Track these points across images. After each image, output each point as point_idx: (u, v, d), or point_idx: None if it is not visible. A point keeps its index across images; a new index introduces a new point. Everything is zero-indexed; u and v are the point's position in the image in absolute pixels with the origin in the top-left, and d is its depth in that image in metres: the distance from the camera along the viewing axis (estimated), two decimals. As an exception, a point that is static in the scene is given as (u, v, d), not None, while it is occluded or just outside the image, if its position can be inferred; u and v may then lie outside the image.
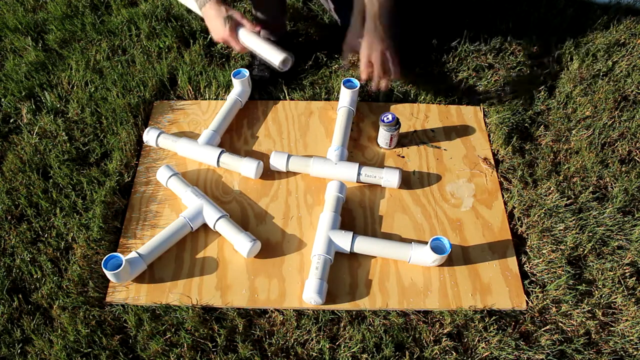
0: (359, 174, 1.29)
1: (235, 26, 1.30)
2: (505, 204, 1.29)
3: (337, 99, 1.48)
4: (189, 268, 1.17)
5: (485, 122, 1.46)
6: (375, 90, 1.30)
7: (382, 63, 1.25)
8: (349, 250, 1.16)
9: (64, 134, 1.40)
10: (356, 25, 1.26)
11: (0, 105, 1.50)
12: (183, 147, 1.35)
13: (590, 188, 1.28)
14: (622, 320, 1.09)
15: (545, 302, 1.11)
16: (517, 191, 1.28)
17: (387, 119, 1.31)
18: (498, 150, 1.39)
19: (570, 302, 1.11)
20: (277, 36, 1.56)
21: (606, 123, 1.42)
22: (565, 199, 1.26)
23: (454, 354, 1.04)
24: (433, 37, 1.63)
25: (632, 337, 1.07)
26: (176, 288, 1.14)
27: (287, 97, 1.51)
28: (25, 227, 1.23)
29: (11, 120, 1.47)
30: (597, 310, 1.10)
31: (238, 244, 1.16)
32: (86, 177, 1.31)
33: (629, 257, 1.17)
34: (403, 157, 1.38)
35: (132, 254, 1.13)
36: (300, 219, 1.26)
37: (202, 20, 1.50)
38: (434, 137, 1.42)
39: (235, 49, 1.33)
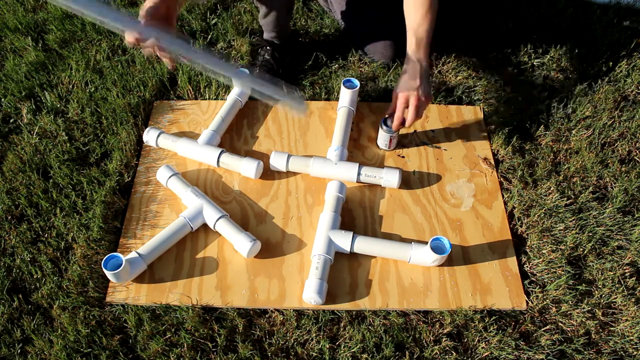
0: (359, 174, 1.29)
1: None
2: (505, 204, 1.29)
3: (337, 99, 1.48)
4: (189, 268, 1.17)
5: (485, 122, 1.46)
6: (395, 130, 1.25)
7: (416, 107, 1.17)
8: (349, 250, 1.16)
9: (64, 134, 1.40)
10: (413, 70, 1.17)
11: (0, 105, 1.50)
12: (183, 147, 1.35)
13: (590, 188, 1.28)
14: (622, 320, 1.10)
15: (545, 302, 1.11)
16: (517, 191, 1.28)
17: (388, 121, 1.32)
18: (498, 150, 1.39)
19: (570, 302, 1.11)
20: (281, 39, 1.56)
21: (606, 123, 1.42)
22: (565, 199, 1.26)
23: (454, 354, 1.04)
24: (433, 37, 1.63)
25: (632, 337, 1.07)
26: (176, 288, 1.14)
27: (287, 97, 1.51)
28: (25, 227, 1.23)
29: (11, 120, 1.47)
30: (597, 310, 1.11)
31: (238, 244, 1.16)
32: (86, 177, 1.31)
33: (629, 257, 1.17)
34: (403, 157, 1.38)
35: (132, 254, 1.13)
36: (300, 219, 1.26)
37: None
38: (434, 137, 1.42)
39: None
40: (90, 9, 0.96)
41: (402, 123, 1.24)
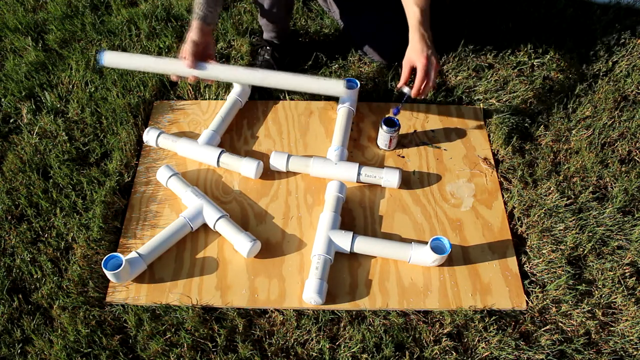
0: (359, 174, 1.29)
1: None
2: (505, 204, 1.29)
3: (337, 99, 1.48)
4: (189, 268, 1.17)
5: (485, 122, 1.46)
6: (415, 97, 1.23)
7: (426, 70, 1.19)
8: (349, 250, 1.16)
9: (64, 134, 1.40)
10: (409, 45, 1.22)
11: (0, 105, 1.50)
12: (183, 147, 1.35)
13: (590, 188, 1.28)
14: (622, 320, 1.10)
15: (545, 302, 1.11)
16: (517, 191, 1.28)
17: (388, 121, 1.32)
18: (498, 150, 1.39)
19: (570, 302, 1.11)
20: (281, 39, 1.56)
21: (606, 123, 1.42)
22: (565, 199, 1.26)
23: (454, 354, 1.04)
24: (433, 37, 1.63)
25: (632, 337, 1.07)
26: (176, 288, 1.14)
27: (287, 97, 1.51)
28: (25, 227, 1.23)
29: (11, 120, 1.47)
30: (597, 310, 1.10)
31: (238, 244, 1.16)
32: (86, 177, 1.31)
33: (629, 257, 1.17)
34: (403, 157, 1.38)
35: (132, 254, 1.13)
36: (300, 219, 1.26)
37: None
38: (434, 137, 1.42)
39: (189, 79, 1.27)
40: (142, 67, 1.31)
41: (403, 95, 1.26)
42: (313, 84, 1.24)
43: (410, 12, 1.22)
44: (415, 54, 1.20)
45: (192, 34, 1.22)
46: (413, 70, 1.23)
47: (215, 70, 1.25)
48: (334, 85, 1.23)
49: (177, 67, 1.25)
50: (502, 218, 1.26)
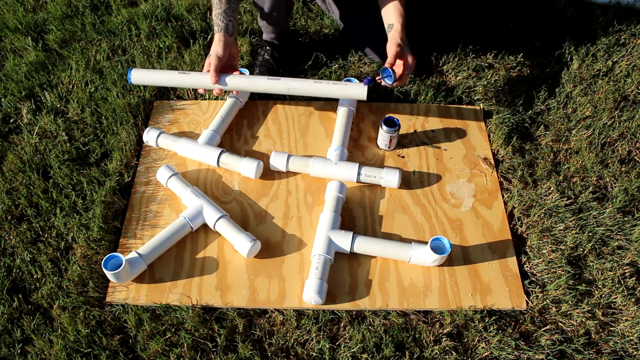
0: (359, 174, 1.29)
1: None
2: (505, 204, 1.29)
3: (337, 99, 1.48)
4: (189, 268, 1.17)
5: (485, 122, 1.46)
6: (399, 85, 1.30)
7: (413, 65, 1.26)
8: (349, 250, 1.16)
9: (64, 134, 1.40)
10: (396, 35, 1.28)
11: (0, 105, 1.50)
12: (183, 147, 1.35)
13: (590, 188, 1.28)
14: (622, 320, 1.10)
15: (545, 302, 1.11)
16: (517, 191, 1.28)
17: (388, 121, 1.32)
18: (498, 150, 1.39)
19: (570, 302, 1.11)
20: (281, 40, 1.56)
21: (606, 123, 1.42)
22: (565, 199, 1.26)
23: (454, 354, 1.04)
24: (433, 37, 1.63)
25: (632, 337, 1.07)
26: (176, 288, 1.14)
27: (287, 97, 1.51)
28: (25, 227, 1.23)
29: (11, 120, 1.47)
30: (597, 310, 1.11)
31: (238, 244, 1.16)
32: (86, 177, 1.31)
33: (629, 257, 1.17)
34: (403, 157, 1.38)
35: (132, 254, 1.13)
36: (300, 219, 1.26)
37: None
38: (434, 137, 1.42)
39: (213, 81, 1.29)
40: (169, 83, 1.35)
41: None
42: (335, 89, 1.27)
43: (398, 20, 1.26)
44: (405, 44, 1.26)
45: (217, 48, 1.25)
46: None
47: (239, 83, 1.30)
48: (356, 90, 1.25)
49: (203, 81, 1.30)
50: (502, 218, 1.26)
